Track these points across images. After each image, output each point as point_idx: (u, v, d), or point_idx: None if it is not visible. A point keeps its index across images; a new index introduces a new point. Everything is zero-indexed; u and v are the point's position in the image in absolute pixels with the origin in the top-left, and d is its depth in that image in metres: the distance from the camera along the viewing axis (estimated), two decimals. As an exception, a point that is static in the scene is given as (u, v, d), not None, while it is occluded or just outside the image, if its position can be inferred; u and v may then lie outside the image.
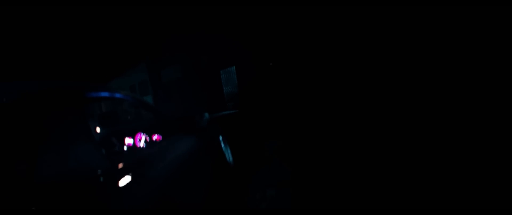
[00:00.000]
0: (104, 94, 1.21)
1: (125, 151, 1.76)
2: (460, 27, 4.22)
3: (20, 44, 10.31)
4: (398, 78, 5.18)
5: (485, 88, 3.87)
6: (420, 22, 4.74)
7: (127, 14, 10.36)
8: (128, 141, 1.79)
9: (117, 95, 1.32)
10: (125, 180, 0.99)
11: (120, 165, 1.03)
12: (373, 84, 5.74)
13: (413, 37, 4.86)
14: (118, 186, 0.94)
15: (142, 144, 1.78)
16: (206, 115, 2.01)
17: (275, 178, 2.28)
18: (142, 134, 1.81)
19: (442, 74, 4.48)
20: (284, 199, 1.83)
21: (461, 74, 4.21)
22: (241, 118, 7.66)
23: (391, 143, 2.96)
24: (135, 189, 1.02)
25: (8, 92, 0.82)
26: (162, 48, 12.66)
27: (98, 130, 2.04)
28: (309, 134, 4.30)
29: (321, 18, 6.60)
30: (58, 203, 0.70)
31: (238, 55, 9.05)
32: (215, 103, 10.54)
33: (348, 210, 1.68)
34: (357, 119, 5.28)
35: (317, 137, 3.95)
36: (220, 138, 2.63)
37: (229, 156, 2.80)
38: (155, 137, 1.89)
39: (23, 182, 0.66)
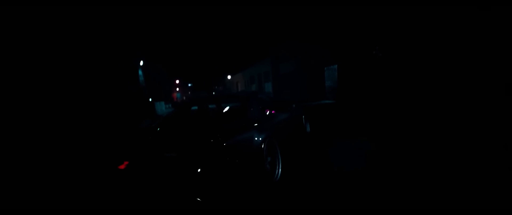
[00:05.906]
0: (260, 95, 3.90)
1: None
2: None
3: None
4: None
5: None
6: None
7: (264, 24, 14.40)
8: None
9: (263, 95, 4.02)
10: (267, 120, 3.58)
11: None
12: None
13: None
14: (266, 123, 3.54)
15: (268, 112, 4.45)
16: (293, 105, 4.44)
17: (337, 144, 4.36)
18: (268, 109, 4.45)
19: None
20: (336, 155, 3.63)
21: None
22: (336, 107, 9.42)
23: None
24: (269, 123, 3.59)
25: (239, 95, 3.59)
26: (282, 47, 16.00)
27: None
28: (379, 129, 5.75)
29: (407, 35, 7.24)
30: (252, 122, 3.31)
31: (341, 57, 10.62)
32: (317, 93, 12.65)
33: (349, 210, 1.78)
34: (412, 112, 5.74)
35: (383, 131, 5.40)
36: (303, 116, 4.96)
37: (307, 127, 5.11)
38: (273, 111, 4.50)
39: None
